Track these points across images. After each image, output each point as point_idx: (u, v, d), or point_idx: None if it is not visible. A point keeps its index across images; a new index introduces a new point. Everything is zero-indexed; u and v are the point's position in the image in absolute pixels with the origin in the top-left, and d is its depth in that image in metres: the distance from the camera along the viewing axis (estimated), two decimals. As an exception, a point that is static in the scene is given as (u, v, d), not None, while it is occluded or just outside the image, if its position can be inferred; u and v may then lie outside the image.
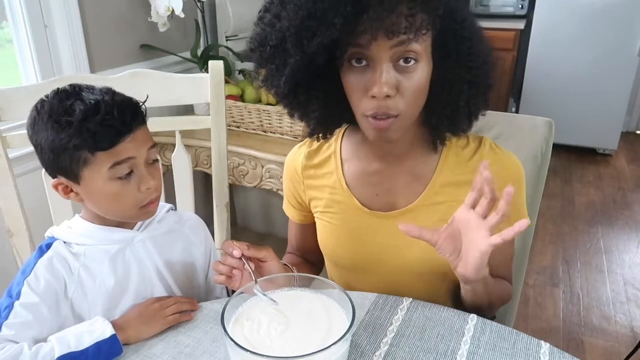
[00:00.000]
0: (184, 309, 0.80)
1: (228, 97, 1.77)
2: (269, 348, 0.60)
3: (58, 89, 0.75)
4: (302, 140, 0.96)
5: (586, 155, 3.57)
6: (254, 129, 1.81)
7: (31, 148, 0.76)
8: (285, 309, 0.67)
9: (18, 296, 0.73)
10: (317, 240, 0.95)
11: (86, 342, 0.70)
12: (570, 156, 3.55)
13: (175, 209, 0.93)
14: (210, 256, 0.95)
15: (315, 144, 0.92)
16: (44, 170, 0.81)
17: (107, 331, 0.71)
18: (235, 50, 2.01)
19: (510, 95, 3.54)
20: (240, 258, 0.75)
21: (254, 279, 0.70)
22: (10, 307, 0.72)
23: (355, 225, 0.88)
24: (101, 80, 1.06)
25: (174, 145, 1.22)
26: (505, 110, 3.44)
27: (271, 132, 1.78)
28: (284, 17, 0.69)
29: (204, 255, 0.93)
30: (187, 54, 1.95)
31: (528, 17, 3.45)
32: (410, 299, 0.83)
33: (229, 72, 1.95)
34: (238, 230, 2.46)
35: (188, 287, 0.90)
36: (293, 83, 0.74)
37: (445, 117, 0.78)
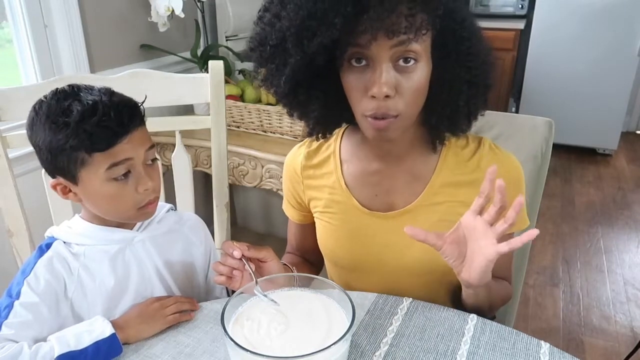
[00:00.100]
0: (184, 308, 0.80)
1: (228, 97, 1.77)
2: (269, 348, 0.60)
3: (57, 89, 0.75)
4: (302, 141, 0.96)
5: (586, 155, 3.57)
6: (254, 129, 1.81)
7: (31, 148, 0.76)
8: (285, 309, 0.67)
9: (18, 296, 0.73)
10: (316, 240, 0.95)
11: (86, 341, 0.70)
12: (570, 156, 3.55)
13: (175, 209, 0.93)
14: (210, 256, 0.95)
15: (315, 144, 0.92)
16: (43, 170, 0.81)
17: (106, 330, 0.71)
18: (235, 50, 2.01)
19: (510, 95, 3.55)
20: (240, 259, 0.75)
21: (254, 279, 0.70)
22: (10, 306, 0.72)
23: (355, 226, 0.88)
24: (101, 80, 1.06)
25: (174, 145, 1.22)
26: (505, 110, 3.44)
27: (271, 132, 1.78)
28: (284, 16, 0.69)
29: (203, 255, 0.93)
30: (187, 54, 1.95)
31: (528, 17, 3.45)
32: (410, 299, 0.83)
33: (229, 72, 1.95)
34: (238, 230, 2.46)
35: (188, 287, 0.90)
36: (293, 83, 0.74)
37: (445, 117, 0.78)
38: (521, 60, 3.50)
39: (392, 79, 0.69)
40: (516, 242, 0.64)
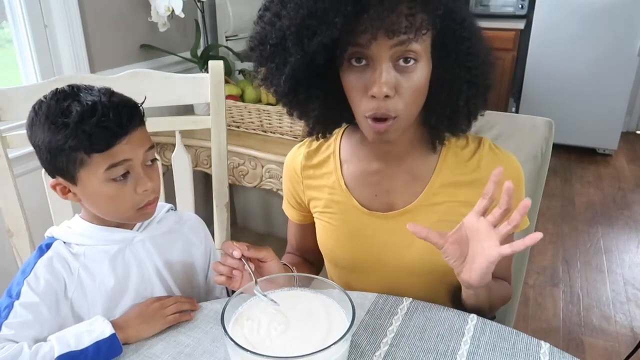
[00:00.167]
0: (184, 308, 0.80)
1: (228, 97, 1.77)
2: (269, 348, 0.60)
3: (56, 89, 0.75)
4: (302, 141, 0.96)
5: (586, 155, 3.57)
6: (254, 129, 1.81)
7: (31, 148, 0.76)
8: (285, 309, 0.67)
9: (18, 296, 0.73)
10: (316, 241, 0.95)
11: (86, 341, 0.70)
12: (570, 156, 3.55)
13: (175, 209, 0.93)
14: (210, 256, 0.95)
15: (315, 144, 0.92)
16: (44, 170, 0.81)
17: (106, 330, 0.71)
18: (235, 50, 2.01)
19: (510, 95, 3.55)
20: (240, 259, 0.75)
21: (254, 279, 0.70)
22: (10, 306, 0.72)
23: (354, 226, 0.88)
24: (101, 80, 1.06)
25: (174, 145, 1.22)
26: (505, 110, 3.44)
27: (271, 132, 1.78)
28: (284, 15, 0.69)
29: (203, 255, 0.93)
30: (187, 54, 1.95)
31: (528, 17, 3.45)
32: (410, 299, 0.83)
33: (229, 72, 1.95)
34: (238, 230, 2.46)
35: (188, 287, 0.90)
36: (293, 82, 0.74)
37: (445, 117, 0.78)
38: (521, 60, 3.50)
39: (392, 79, 0.69)
40: (519, 245, 0.64)
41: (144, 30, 1.82)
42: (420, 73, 0.71)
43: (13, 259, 1.10)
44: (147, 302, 0.80)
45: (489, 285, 0.73)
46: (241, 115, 1.80)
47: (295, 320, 0.66)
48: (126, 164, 0.74)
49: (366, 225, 0.87)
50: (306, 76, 0.73)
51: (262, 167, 1.69)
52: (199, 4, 1.95)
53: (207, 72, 1.13)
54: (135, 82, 1.10)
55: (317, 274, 0.90)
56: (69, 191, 0.77)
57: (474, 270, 0.69)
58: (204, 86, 1.14)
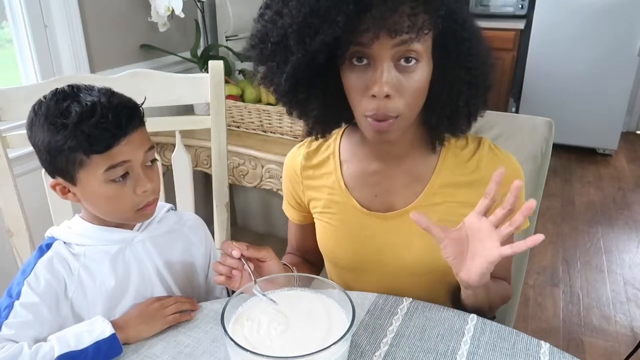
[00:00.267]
0: (184, 308, 0.80)
1: (228, 97, 1.77)
2: (269, 348, 0.60)
3: (56, 89, 0.74)
4: (302, 141, 0.96)
5: (586, 155, 3.57)
6: (254, 129, 1.81)
7: (31, 148, 0.76)
8: (285, 309, 0.67)
9: (18, 296, 0.73)
10: (316, 241, 0.95)
11: (86, 341, 0.70)
12: (570, 156, 3.55)
13: (175, 209, 0.93)
14: (210, 256, 0.95)
15: (315, 145, 0.92)
16: (43, 170, 0.81)
17: (106, 330, 0.71)
18: (235, 50, 2.01)
19: (510, 95, 3.55)
20: (239, 258, 0.75)
21: (253, 279, 0.70)
22: (10, 306, 0.72)
23: (354, 226, 0.88)
24: (101, 80, 1.06)
25: (174, 145, 1.22)
26: (505, 110, 3.44)
27: (271, 132, 1.78)
28: (285, 14, 0.69)
29: (204, 255, 0.93)
30: (187, 54, 1.95)
31: (528, 17, 3.45)
32: (410, 299, 0.83)
33: (229, 72, 1.95)
34: (238, 230, 2.46)
35: (188, 287, 0.90)
36: (293, 81, 0.74)
37: (445, 117, 0.78)
38: (521, 60, 3.50)
39: (394, 79, 0.69)
40: (519, 246, 0.63)
41: (144, 30, 1.82)
42: (421, 73, 0.71)
43: (13, 259, 1.10)
44: (147, 302, 0.80)
45: (487, 285, 0.73)
46: (241, 115, 1.80)
47: (295, 320, 0.66)
48: (125, 165, 0.74)
49: (366, 225, 0.87)
50: (306, 75, 0.73)
51: (262, 167, 1.69)
52: (199, 4, 1.95)
53: (207, 72, 1.13)
54: (135, 82, 1.10)
55: (317, 274, 0.90)
56: (69, 191, 0.77)
57: (473, 270, 0.69)
58: (204, 86, 1.14)
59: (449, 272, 0.75)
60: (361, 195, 0.87)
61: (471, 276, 0.69)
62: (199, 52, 1.95)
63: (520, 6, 3.49)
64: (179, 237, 0.89)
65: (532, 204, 0.63)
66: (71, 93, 0.73)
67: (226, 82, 1.39)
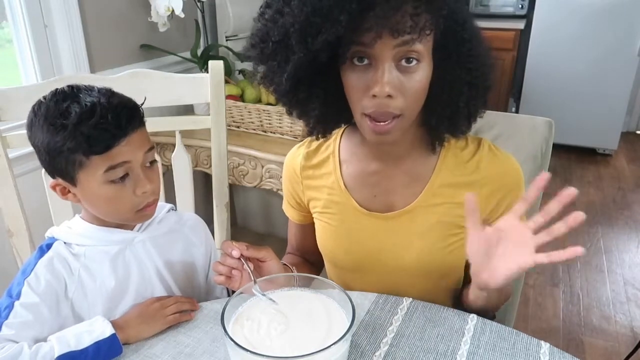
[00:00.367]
0: (184, 308, 0.80)
1: (228, 97, 1.77)
2: (269, 348, 0.60)
3: (56, 90, 0.74)
4: (302, 141, 0.96)
5: (586, 155, 3.57)
6: (254, 129, 1.81)
7: (31, 148, 0.76)
8: (285, 309, 0.67)
9: (18, 296, 0.73)
10: (316, 241, 0.95)
11: (86, 341, 0.70)
12: (570, 156, 3.55)
13: (176, 209, 0.93)
14: (210, 256, 0.95)
15: (314, 145, 0.92)
16: (43, 170, 0.81)
17: (106, 331, 0.71)
18: (235, 50, 2.01)
19: (510, 95, 3.55)
20: (239, 258, 0.75)
21: (253, 279, 0.70)
22: (10, 307, 0.72)
23: (354, 226, 0.88)
24: (101, 80, 1.06)
25: (174, 145, 1.22)
26: (505, 110, 3.44)
27: (271, 132, 1.78)
28: (287, 12, 0.68)
29: (204, 255, 0.93)
30: (187, 54, 1.95)
31: (528, 17, 3.45)
32: (410, 299, 0.83)
33: (229, 72, 1.95)
34: (238, 230, 2.46)
35: (188, 288, 0.90)
36: (294, 80, 0.73)
37: (445, 118, 0.78)
38: (521, 60, 3.50)
39: (395, 79, 0.69)
40: (557, 256, 0.61)
41: (144, 30, 1.82)
42: (421, 73, 0.71)
43: (13, 259, 1.10)
44: (147, 302, 0.80)
45: (501, 288, 0.72)
46: (241, 115, 1.80)
47: (295, 320, 0.66)
48: (125, 166, 0.74)
49: (365, 225, 0.87)
50: (307, 74, 0.73)
51: (262, 167, 1.69)
52: (199, 4, 1.95)
53: (207, 72, 1.13)
54: (135, 82, 1.10)
55: (317, 274, 0.90)
56: (69, 192, 0.77)
57: (498, 272, 0.67)
58: (204, 86, 1.14)
59: (448, 273, 0.75)
60: (361, 196, 0.87)
61: (495, 278, 0.67)
62: (199, 52, 1.95)
63: (520, 6, 3.49)
64: (179, 237, 0.89)
65: (578, 215, 0.61)
66: (71, 93, 0.73)
67: (226, 82, 1.39)
